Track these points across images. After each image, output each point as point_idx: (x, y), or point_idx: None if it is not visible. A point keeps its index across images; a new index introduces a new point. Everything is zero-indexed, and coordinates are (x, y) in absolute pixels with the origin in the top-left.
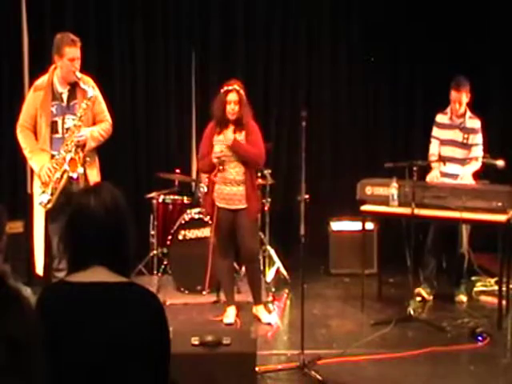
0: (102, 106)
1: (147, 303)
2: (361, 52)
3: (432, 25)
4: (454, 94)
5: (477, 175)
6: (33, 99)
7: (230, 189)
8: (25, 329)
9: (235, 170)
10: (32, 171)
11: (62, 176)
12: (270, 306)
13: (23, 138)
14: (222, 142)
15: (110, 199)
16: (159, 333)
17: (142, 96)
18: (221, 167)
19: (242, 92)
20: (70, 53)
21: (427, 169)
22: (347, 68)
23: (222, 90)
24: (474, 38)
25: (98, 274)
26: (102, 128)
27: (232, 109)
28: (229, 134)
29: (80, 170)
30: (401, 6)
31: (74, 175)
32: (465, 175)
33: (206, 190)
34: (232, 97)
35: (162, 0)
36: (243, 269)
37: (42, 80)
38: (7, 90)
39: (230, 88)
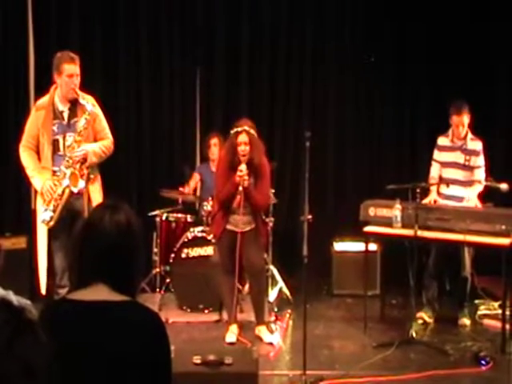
0: (103, 123)
1: (148, 322)
2: (367, 74)
3: (432, 48)
4: (455, 119)
5: (481, 197)
6: (35, 119)
7: (241, 218)
8: (41, 356)
9: (244, 207)
10: None
11: (63, 192)
12: (273, 325)
13: (25, 157)
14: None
15: (124, 219)
16: (160, 352)
17: (146, 113)
18: (245, 183)
19: (252, 132)
20: (69, 69)
21: (428, 192)
22: (352, 89)
23: (231, 132)
24: (478, 60)
25: (100, 293)
26: (104, 144)
27: (243, 150)
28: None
29: (81, 184)
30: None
31: (76, 190)
32: (470, 198)
33: (209, 208)
34: (242, 138)
35: (168, 21)
36: (246, 288)
37: (44, 100)
38: (13, 109)
39: (240, 130)
